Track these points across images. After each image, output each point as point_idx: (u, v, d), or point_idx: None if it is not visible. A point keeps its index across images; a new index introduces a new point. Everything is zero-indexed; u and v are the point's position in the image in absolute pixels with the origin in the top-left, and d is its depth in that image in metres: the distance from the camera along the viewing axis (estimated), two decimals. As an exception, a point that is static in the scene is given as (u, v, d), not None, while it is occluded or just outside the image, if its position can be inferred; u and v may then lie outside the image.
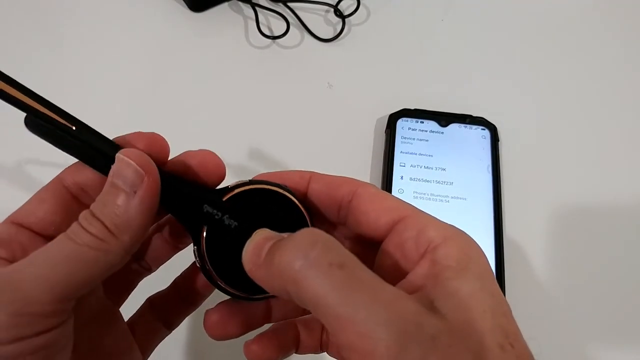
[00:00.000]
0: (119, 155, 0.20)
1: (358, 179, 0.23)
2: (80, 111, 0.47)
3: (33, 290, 0.18)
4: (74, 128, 0.20)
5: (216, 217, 0.22)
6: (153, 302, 0.26)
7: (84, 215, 0.20)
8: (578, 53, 0.47)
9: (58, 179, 0.22)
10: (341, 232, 0.25)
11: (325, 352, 0.26)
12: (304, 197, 0.24)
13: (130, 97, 0.43)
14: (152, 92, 0.44)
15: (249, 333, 0.24)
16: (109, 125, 0.45)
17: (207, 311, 0.24)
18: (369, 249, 0.23)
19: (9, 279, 0.18)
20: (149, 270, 0.26)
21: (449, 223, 0.21)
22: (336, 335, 0.16)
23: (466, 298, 0.18)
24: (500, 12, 0.49)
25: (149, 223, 0.20)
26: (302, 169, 0.25)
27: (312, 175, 0.24)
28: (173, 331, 0.27)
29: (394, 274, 0.20)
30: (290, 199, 0.23)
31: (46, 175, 0.22)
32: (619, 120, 0.43)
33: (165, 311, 0.26)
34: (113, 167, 0.20)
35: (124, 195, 0.19)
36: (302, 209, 0.23)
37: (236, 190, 0.22)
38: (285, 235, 0.19)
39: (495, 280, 0.19)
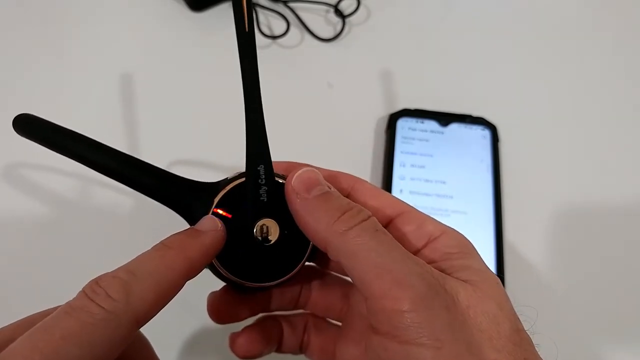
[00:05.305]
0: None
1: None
2: (79, 111, 0.46)
3: None
4: None
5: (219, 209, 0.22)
6: None
7: None
8: (578, 53, 0.47)
9: None
10: None
11: (304, 355, 0.26)
12: None
13: (129, 97, 0.43)
14: (151, 91, 0.44)
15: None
16: (108, 124, 0.45)
17: (210, 294, 0.25)
18: None
19: None
20: None
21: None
22: (370, 284, 0.19)
23: (478, 271, 0.20)
24: (500, 12, 0.49)
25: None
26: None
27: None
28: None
29: None
30: None
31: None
32: (619, 120, 0.43)
33: None
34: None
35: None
36: None
37: (237, 181, 0.22)
38: (332, 188, 0.22)
39: None
